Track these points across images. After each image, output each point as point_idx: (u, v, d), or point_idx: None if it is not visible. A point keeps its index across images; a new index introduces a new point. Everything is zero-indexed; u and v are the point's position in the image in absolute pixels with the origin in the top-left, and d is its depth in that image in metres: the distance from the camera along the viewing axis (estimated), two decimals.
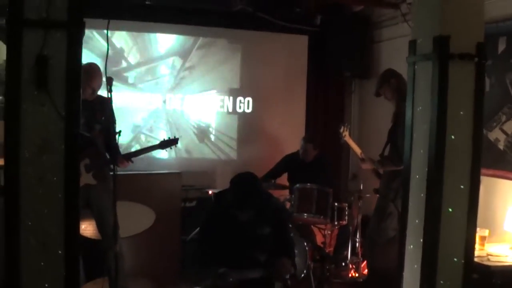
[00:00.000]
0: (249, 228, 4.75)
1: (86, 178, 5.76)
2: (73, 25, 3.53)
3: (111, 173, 5.26)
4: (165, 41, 8.89)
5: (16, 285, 3.50)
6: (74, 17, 3.53)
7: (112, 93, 4.92)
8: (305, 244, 6.97)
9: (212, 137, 9.23)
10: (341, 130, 6.59)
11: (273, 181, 7.64)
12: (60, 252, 3.56)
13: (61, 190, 3.53)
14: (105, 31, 4.11)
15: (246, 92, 9.31)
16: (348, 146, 6.66)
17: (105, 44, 7.78)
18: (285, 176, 8.20)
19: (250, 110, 9.34)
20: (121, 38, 8.53)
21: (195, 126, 9.10)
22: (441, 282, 4.34)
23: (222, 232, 4.75)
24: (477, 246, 5.54)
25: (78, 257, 3.70)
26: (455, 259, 4.36)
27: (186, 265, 6.87)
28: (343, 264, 7.47)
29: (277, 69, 9.37)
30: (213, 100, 9.18)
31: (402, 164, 5.81)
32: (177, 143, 6.25)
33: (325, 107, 9.61)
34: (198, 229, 7.23)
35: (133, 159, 6.14)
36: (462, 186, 4.29)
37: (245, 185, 4.81)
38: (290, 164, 8.14)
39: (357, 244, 7.43)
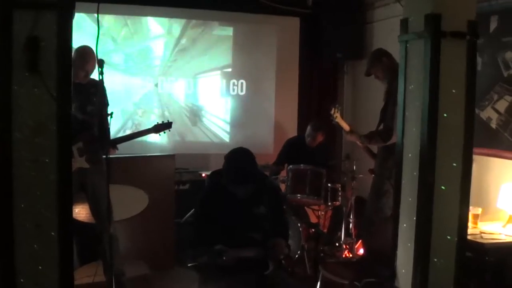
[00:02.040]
0: (245, 207, 4.75)
1: (80, 162, 5.74)
2: (63, 6, 3.51)
3: (104, 156, 5.24)
4: (157, 24, 8.87)
5: (10, 268, 3.50)
6: None
7: (104, 76, 4.89)
8: (299, 225, 6.99)
9: (205, 120, 9.23)
10: (332, 111, 6.56)
11: (269, 163, 7.67)
12: (53, 234, 3.55)
13: (54, 172, 3.52)
14: (96, 14, 4.07)
15: (239, 74, 9.31)
16: (340, 127, 6.62)
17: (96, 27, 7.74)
18: None
19: (243, 92, 9.34)
20: (112, 22, 8.51)
21: (188, 109, 9.09)
22: (435, 260, 4.36)
23: (217, 211, 4.74)
24: (470, 224, 5.57)
25: (71, 239, 3.68)
26: (449, 237, 4.38)
27: (181, 247, 6.87)
28: (337, 244, 7.49)
29: (269, 51, 9.37)
30: (205, 83, 9.18)
31: (390, 139, 5.85)
32: (170, 127, 6.21)
33: (318, 89, 9.59)
34: (192, 211, 7.28)
35: (127, 143, 6.12)
36: (454, 164, 4.31)
37: (240, 159, 4.79)
38: (293, 149, 8.12)
39: (351, 225, 7.44)
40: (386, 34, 6.20)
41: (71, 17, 3.56)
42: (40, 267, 3.56)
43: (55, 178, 3.53)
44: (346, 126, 6.52)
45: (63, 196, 3.57)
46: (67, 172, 3.59)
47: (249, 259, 4.64)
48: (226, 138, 9.29)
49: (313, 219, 7.80)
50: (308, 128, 8.03)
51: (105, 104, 5.88)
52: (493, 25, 6.15)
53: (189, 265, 4.93)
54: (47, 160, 3.53)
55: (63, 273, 3.61)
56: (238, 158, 4.81)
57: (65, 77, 3.54)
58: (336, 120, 6.50)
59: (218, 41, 9.22)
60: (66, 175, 3.58)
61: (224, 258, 4.50)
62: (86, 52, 5.79)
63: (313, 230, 7.09)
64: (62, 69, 3.51)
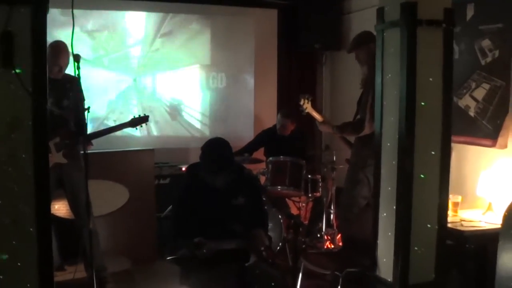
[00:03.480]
0: (224, 198, 4.75)
1: (57, 157, 5.72)
2: (37, 1, 3.49)
3: (82, 151, 5.21)
4: (134, 19, 8.82)
5: None
6: None
7: (81, 71, 4.86)
8: (280, 216, 7.00)
9: (185, 114, 9.19)
10: (301, 102, 6.51)
11: (246, 154, 7.62)
12: (31, 229, 3.54)
13: (31, 167, 3.51)
14: (75, 10, 4.05)
15: (217, 67, 9.28)
16: (313, 118, 6.58)
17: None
18: (261, 151, 8.18)
19: (222, 85, 9.31)
20: (88, 17, 8.44)
21: (167, 103, 9.06)
22: (415, 248, 4.39)
23: (196, 203, 4.74)
24: (450, 212, 5.58)
25: (50, 235, 3.67)
26: (429, 225, 4.41)
27: (162, 241, 6.87)
28: (318, 235, 7.50)
29: (247, 43, 9.34)
30: (184, 77, 9.13)
31: (362, 131, 5.85)
32: (147, 120, 6.19)
33: (297, 80, 9.56)
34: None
35: (106, 137, 6.10)
36: (433, 152, 4.34)
37: (216, 148, 4.81)
38: (267, 139, 8.12)
39: (332, 216, 7.45)
40: (363, 24, 6.19)
41: (45, 12, 3.54)
42: (19, 263, 3.55)
43: (32, 173, 3.51)
44: (318, 117, 6.48)
45: (41, 192, 3.56)
46: (44, 167, 3.58)
47: (229, 251, 4.64)
48: (206, 131, 9.26)
49: (294, 211, 7.81)
50: (278, 115, 8.08)
51: (82, 99, 5.84)
52: (469, 13, 6.16)
53: (168, 258, 4.91)
54: (23, 156, 3.52)
55: (42, 269, 3.60)
56: (215, 147, 4.83)
57: (40, 72, 3.53)
58: (307, 110, 6.46)
59: (196, 34, 9.18)
60: (43, 170, 3.58)
61: (203, 250, 4.50)
62: (59, 47, 5.76)
63: (292, 221, 7.08)
64: (37, 64, 3.50)
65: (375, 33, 4.79)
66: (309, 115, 6.50)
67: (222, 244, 4.64)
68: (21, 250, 3.54)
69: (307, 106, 6.45)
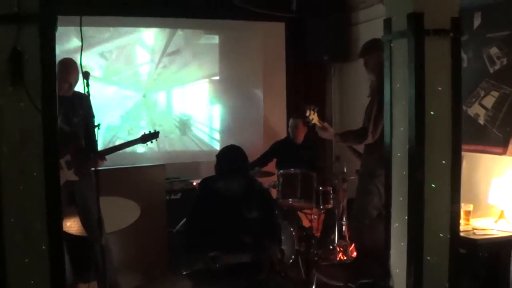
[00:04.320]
0: (237, 211, 4.76)
1: (68, 175, 5.74)
2: (45, 19, 3.52)
3: (93, 168, 5.23)
4: (142, 35, 8.86)
5: (1, 281, 3.49)
6: (45, 11, 3.52)
7: (90, 88, 4.89)
8: (292, 229, 6.98)
9: (194, 129, 9.22)
10: (308, 113, 6.49)
11: (257, 168, 7.62)
12: (43, 247, 3.55)
13: (42, 184, 3.52)
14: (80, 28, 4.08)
15: (226, 82, 9.31)
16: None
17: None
18: (271, 164, 8.19)
19: (231, 99, 9.34)
20: (99, 34, 8.48)
21: (177, 119, 9.09)
22: (428, 258, 4.36)
23: (209, 216, 4.76)
24: (462, 221, 5.55)
25: (62, 251, 3.68)
26: (441, 235, 4.38)
27: (174, 257, 6.85)
28: (331, 247, 7.47)
29: (256, 57, 9.38)
30: (193, 92, 9.17)
31: (365, 140, 5.83)
32: (157, 136, 6.22)
33: (306, 93, 9.58)
34: (184, 219, 7.27)
35: (117, 153, 6.13)
36: (444, 161, 4.32)
37: (231, 153, 4.86)
38: (280, 149, 8.14)
39: (344, 227, 7.43)
40: (371, 35, 6.19)
41: (53, 29, 3.57)
42: (32, 281, 3.56)
43: (43, 190, 3.52)
44: (321, 124, 6.45)
45: (52, 208, 3.57)
46: (55, 184, 3.60)
47: (242, 264, 4.64)
48: (216, 145, 9.28)
49: (306, 223, 7.78)
50: (290, 120, 8.13)
51: (91, 116, 5.87)
52: (476, 21, 6.16)
53: (184, 273, 4.92)
54: (35, 173, 3.53)
55: (54, 286, 3.60)
56: (230, 152, 4.91)
57: (50, 89, 3.54)
58: (313, 121, 6.45)
59: (205, 49, 9.23)
60: (55, 187, 3.59)
61: (218, 264, 4.51)
62: (68, 64, 5.79)
63: (304, 233, 7.06)
64: (46, 81, 3.52)
65: None
66: (314, 125, 6.50)
67: (235, 257, 4.64)
68: (33, 267, 3.55)
69: (314, 117, 6.43)
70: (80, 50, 4.30)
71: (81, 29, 4.09)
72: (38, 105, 3.47)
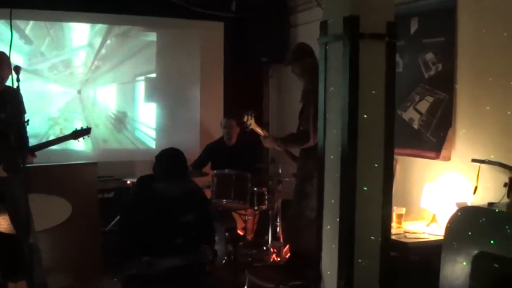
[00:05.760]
0: (172, 213, 4.72)
1: None
2: None
3: (22, 165, 5.13)
4: (79, 31, 8.74)
5: None
6: None
7: (20, 83, 4.80)
8: (224, 230, 6.96)
9: (130, 127, 9.14)
10: (245, 119, 6.50)
11: (190, 168, 7.58)
12: None
13: None
14: (18, 21, 4.00)
15: (163, 80, 9.26)
16: (257, 134, 6.55)
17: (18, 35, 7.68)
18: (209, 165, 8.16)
19: (168, 98, 9.29)
20: (33, 28, 8.33)
21: (112, 116, 9.00)
22: (360, 260, 4.38)
23: (143, 217, 4.70)
24: (394, 224, 5.61)
25: None
26: (372, 237, 4.40)
27: (107, 256, 6.77)
28: (265, 248, 7.47)
29: (194, 56, 9.34)
30: (129, 89, 9.10)
31: (306, 142, 5.85)
32: (89, 132, 6.15)
33: (244, 93, 9.55)
34: (117, 218, 7.19)
35: (50, 150, 6.03)
36: (376, 165, 4.33)
37: (170, 157, 4.81)
38: (214, 151, 8.13)
39: (278, 229, 7.44)
40: (310, 37, 6.19)
41: None
42: None
43: None
44: (261, 132, 6.48)
45: None
46: None
47: (176, 267, 4.60)
48: (152, 144, 9.23)
49: (240, 224, 7.77)
50: (223, 120, 8.15)
51: (22, 111, 5.76)
52: (413, 27, 6.22)
53: (115, 279, 4.87)
54: None
55: None
56: (169, 156, 4.85)
57: None
58: (251, 127, 6.46)
59: (142, 46, 9.15)
60: None
61: (152, 269, 4.47)
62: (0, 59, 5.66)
63: (229, 234, 7.05)
64: None
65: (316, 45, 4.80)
66: (253, 131, 6.49)
67: (170, 261, 4.60)
68: None
69: (251, 122, 6.45)
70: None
71: (10, 22, 4.00)
72: None
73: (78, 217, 6.77)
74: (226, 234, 6.97)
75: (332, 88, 4.42)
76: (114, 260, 4.97)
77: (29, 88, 7.38)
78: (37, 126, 8.06)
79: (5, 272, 6.32)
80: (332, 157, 4.44)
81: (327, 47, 4.48)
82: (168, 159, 4.80)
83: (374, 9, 4.25)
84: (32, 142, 6.19)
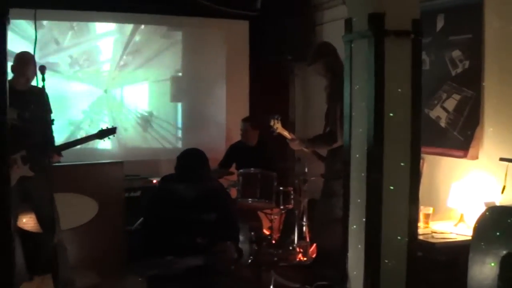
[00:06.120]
0: (194, 212, 4.72)
1: (24, 170, 5.65)
2: None
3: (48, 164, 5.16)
4: (105, 30, 8.76)
5: None
6: None
7: (45, 82, 4.83)
8: (250, 229, 6.94)
9: (156, 126, 9.13)
10: (272, 123, 6.48)
11: (216, 167, 7.63)
12: None
13: None
14: (44, 22, 4.01)
15: (189, 79, 9.25)
16: (284, 137, 6.53)
17: (44, 35, 7.71)
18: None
19: (194, 97, 9.29)
20: (59, 28, 8.36)
21: (138, 115, 9.00)
22: (386, 261, 4.33)
23: (166, 217, 4.70)
24: (421, 224, 5.56)
25: (10, 249, 3.59)
26: (399, 238, 4.35)
27: (132, 256, 6.77)
28: (291, 248, 7.43)
29: (219, 55, 9.32)
30: (155, 89, 9.09)
31: (334, 143, 5.80)
32: (115, 132, 6.17)
33: (269, 92, 9.50)
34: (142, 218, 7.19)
35: (77, 150, 6.07)
36: (402, 164, 4.28)
37: (191, 158, 4.83)
38: (236, 152, 8.15)
39: (304, 228, 7.40)
40: (335, 35, 6.13)
41: (4, 23, 3.46)
42: None
43: None
44: (288, 135, 6.45)
45: (1, 206, 3.48)
46: (4, 182, 3.50)
47: (199, 267, 4.59)
48: (177, 143, 9.23)
49: (266, 223, 7.75)
50: (240, 124, 8.15)
51: (48, 110, 5.78)
52: (439, 24, 6.16)
53: (139, 278, 4.87)
54: None
55: (3, 285, 3.52)
56: (189, 157, 4.87)
57: None
58: (278, 131, 6.44)
59: (167, 46, 9.15)
60: (3, 185, 3.49)
61: (175, 269, 4.46)
62: (25, 58, 5.70)
63: (253, 233, 7.02)
64: None
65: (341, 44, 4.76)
66: (280, 135, 6.47)
67: (191, 261, 4.59)
68: None
69: (278, 126, 6.44)
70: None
71: (35, 23, 4.01)
72: None
73: (104, 216, 6.79)
74: (252, 233, 6.93)
75: (358, 87, 4.38)
76: (138, 261, 4.98)
77: (55, 88, 7.42)
78: (63, 125, 8.12)
79: (33, 270, 6.38)
80: (357, 156, 4.39)
81: (352, 45, 4.44)
82: (189, 159, 4.82)
83: (399, 5, 4.21)
84: (59, 141, 6.22)
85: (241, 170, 7.25)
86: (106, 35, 8.76)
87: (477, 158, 5.78)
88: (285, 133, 6.44)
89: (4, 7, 3.47)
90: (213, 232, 4.77)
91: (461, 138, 5.93)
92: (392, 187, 4.27)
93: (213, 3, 8.36)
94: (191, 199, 4.75)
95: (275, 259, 7.17)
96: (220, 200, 4.98)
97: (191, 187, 4.76)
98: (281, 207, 7.33)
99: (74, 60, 8.51)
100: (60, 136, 6.76)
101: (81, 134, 8.21)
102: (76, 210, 6.57)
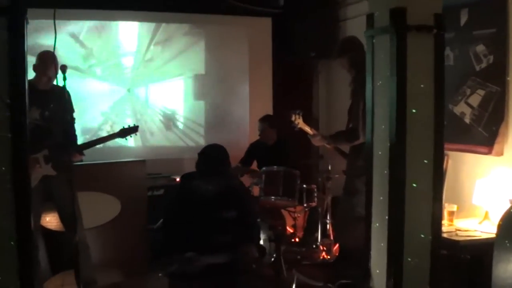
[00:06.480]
0: (214, 210, 4.71)
1: (46, 169, 5.67)
2: (14, 11, 3.42)
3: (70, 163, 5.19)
4: (127, 29, 8.78)
5: None
6: (15, 3, 3.41)
7: (74, 81, 4.84)
8: (272, 227, 6.92)
9: (179, 124, 9.16)
10: (293, 118, 6.45)
11: (239, 165, 7.66)
12: (12, 243, 3.46)
13: (10, 180, 3.42)
14: (67, 22, 4.02)
15: (212, 77, 9.25)
16: (305, 132, 6.50)
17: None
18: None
19: (217, 95, 9.28)
20: (81, 27, 8.38)
21: (161, 113, 9.02)
22: (409, 259, 4.28)
23: (186, 214, 4.71)
24: (445, 221, 5.51)
25: (32, 248, 3.60)
26: (422, 235, 4.31)
27: (155, 254, 6.78)
28: (314, 246, 7.41)
29: (242, 52, 9.33)
30: (178, 87, 9.11)
31: (356, 140, 5.76)
32: (137, 130, 6.19)
33: (293, 89, 9.50)
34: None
35: (100, 149, 6.09)
36: (426, 161, 4.24)
37: (212, 153, 4.86)
38: (256, 150, 8.21)
39: (328, 226, 7.37)
40: (358, 31, 6.09)
41: (22, 22, 3.46)
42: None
43: (11, 186, 3.42)
44: (309, 131, 6.42)
45: (21, 205, 3.47)
46: (24, 180, 3.50)
47: (219, 265, 4.58)
48: (200, 141, 9.21)
49: (290, 221, 7.73)
50: (258, 123, 8.19)
51: (69, 110, 5.80)
52: (463, 18, 6.09)
53: (160, 274, 4.87)
54: (3, 168, 3.43)
55: (24, 283, 3.52)
56: (210, 152, 4.87)
57: (19, 82, 3.43)
58: (299, 126, 6.41)
59: (190, 44, 9.15)
60: (23, 183, 3.49)
61: (195, 265, 4.46)
62: (46, 57, 5.71)
63: (275, 231, 7.00)
64: (15, 75, 3.41)
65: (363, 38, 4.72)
66: (302, 130, 6.44)
67: (212, 258, 4.59)
68: (1, 264, 3.46)
69: (299, 122, 6.41)
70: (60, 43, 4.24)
71: (54, 22, 4.00)
72: (5, 99, 3.36)
73: (127, 215, 6.80)
74: (274, 231, 6.90)
75: (380, 82, 4.33)
76: (158, 258, 4.99)
77: (78, 86, 7.47)
78: (87, 124, 8.21)
79: (56, 268, 6.42)
80: (380, 153, 4.35)
81: (374, 40, 4.40)
82: (209, 155, 4.83)
83: (422, 0, 4.16)
84: (81, 141, 6.24)
85: (264, 168, 7.23)
86: (128, 34, 8.77)
87: (502, 154, 5.71)
88: (307, 129, 6.40)
89: (23, 7, 3.46)
90: (233, 230, 4.76)
91: (485, 134, 5.86)
92: (415, 185, 4.22)
93: (236, 0, 8.36)
94: (210, 197, 4.75)
95: (298, 257, 7.15)
96: (240, 198, 4.98)
97: (211, 184, 4.76)
98: (305, 205, 7.31)
99: (96, 59, 8.53)
100: (82, 136, 6.77)
101: (104, 133, 8.24)
102: (99, 209, 6.59)
